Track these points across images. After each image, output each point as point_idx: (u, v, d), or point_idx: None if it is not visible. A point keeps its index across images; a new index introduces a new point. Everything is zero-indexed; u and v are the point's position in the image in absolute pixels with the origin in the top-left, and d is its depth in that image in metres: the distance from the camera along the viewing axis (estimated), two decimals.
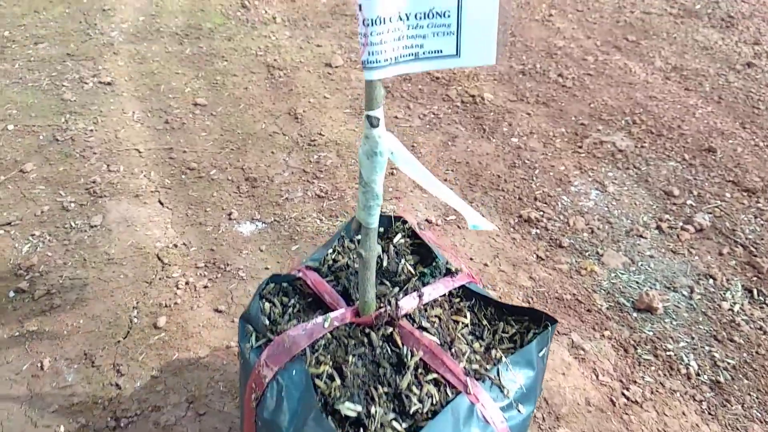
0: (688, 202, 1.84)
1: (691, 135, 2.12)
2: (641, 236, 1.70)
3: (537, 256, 1.60)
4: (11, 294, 1.39)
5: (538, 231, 1.69)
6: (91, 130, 1.90)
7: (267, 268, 1.48)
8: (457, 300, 0.89)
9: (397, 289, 0.86)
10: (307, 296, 0.87)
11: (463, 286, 0.89)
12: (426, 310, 0.85)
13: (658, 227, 1.74)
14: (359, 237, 0.81)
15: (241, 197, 1.72)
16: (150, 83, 2.15)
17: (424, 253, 0.96)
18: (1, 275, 1.44)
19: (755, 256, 1.66)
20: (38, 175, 1.73)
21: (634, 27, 2.83)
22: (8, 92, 2.03)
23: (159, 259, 1.50)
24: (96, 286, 1.42)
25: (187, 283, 1.43)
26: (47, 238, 1.54)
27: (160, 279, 1.44)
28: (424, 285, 0.87)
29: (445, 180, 1.84)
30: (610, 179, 1.90)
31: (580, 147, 2.03)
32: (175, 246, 1.53)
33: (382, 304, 0.82)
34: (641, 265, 1.61)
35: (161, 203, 1.67)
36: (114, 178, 1.74)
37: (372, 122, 0.70)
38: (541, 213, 1.75)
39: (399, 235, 0.98)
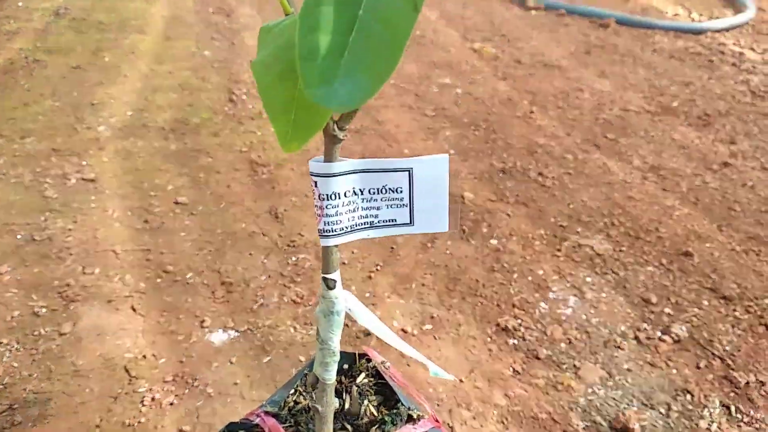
0: (666, 310, 1.84)
1: (668, 238, 2.14)
2: (619, 347, 1.69)
3: (513, 369, 1.58)
4: None
5: (515, 341, 1.68)
6: (70, 230, 1.90)
7: (236, 383, 1.46)
8: None
9: None
10: None
11: None
12: None
13: (636, 338, 1.73)
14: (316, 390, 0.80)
15: (215, 303, 1.70)
16: (133, 180, 2.17)
17: (388, 393, 0.95)
18: None
19: (732, 369, 1.65)
20: (12, 278, 1.71)
21: (613, 125, 2.90)
22: None
23: (126, 371, 1.47)
24: (60, 401, 1.38)
25: (153, 399, 1.39)
26: (15, 347, 1.51)
27: (126, 394, 1.41)
28: None
29: (423, 285, 1.84)
30: (588, 285, 1.91)
31: (559, 250, 2.04)
32: (144, 357, 1.51)
33: None
34: (618, 379, 1.59)
35: (134, 309, 1.65)
36: (88, 281, 1.73)
37: (329, 284, 0.70)
38: (519, 321, 1.74)
39: (363, 375, 0.97)
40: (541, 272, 1.94)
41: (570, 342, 1.70)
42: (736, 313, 1.85)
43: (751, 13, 4.39)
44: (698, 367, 1.65)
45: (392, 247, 1.98)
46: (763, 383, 1.62)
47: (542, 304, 1.82)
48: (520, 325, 1.73)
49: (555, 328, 1.73)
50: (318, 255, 1.92)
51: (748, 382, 1.61)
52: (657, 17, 4.36)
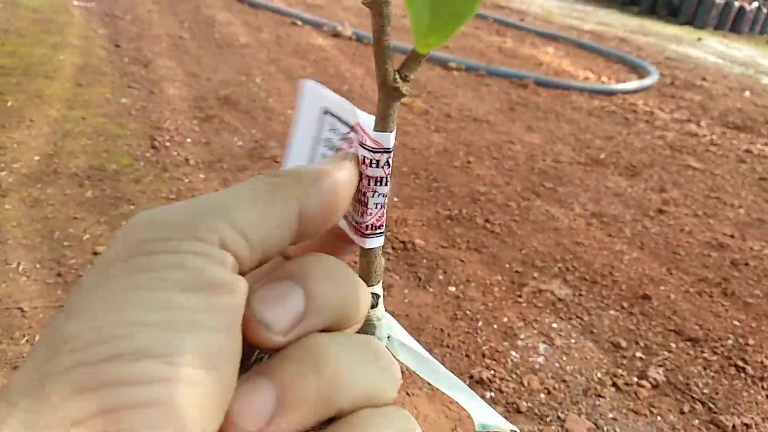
0: (637, 354, 1.75)
1: (624, 282, 2.09)
2: (600, 395, 1.57)
3: None
4: None
5: (492, 394, 1.52)
6: None
7: None
8: None
9: None
10: None
11: None
12: None
13: (614, 384, 1.62)
14: None
15: None
16: (42, 229, 1.88)
17: None
18: None
19: (715, 413, 1.56)
20: None
21: (548, 174, 2.90)
22: None
23: None
24: None
25: None
26: None
27: None
28: None
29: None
30: (555, 331, 1.80)
31: (520, 296, 1.93)
32: None
33: None
34: (607, 430, 1.46)
35: None
36: None
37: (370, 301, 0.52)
38: (493, 372, 1.59)
39: None
40: (505, 319, 1.82)
41: (549, 392, 1.56)
42: (705, 355, 1.79)
43: (654, 77, 4.67)
44: (682, 412, 1.55)
45: None
46: (748, 426, 1.54)
47: (513, 353, 1.68)
48: (494, 375, 1.58)
49: (531, 377, 1.59)
50: None
51: (734, 426, 1.52)
52: (569, 80, 4.54)
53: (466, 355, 1.64)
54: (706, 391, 1.65)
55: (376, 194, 0.45)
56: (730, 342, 1.87)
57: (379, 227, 0.49)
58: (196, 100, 3.07)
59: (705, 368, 1.74)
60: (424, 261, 2.04)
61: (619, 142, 3.44)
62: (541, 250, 2.22)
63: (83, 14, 4.22)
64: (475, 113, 3.61)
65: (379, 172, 0.44)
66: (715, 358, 1.79)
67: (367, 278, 0.50)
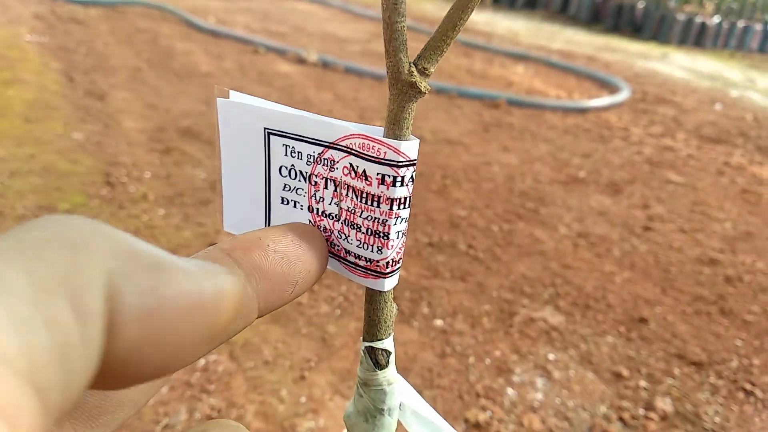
0: (641, 383, 1.62)
1: (618, 305, 1.97)
2: None
3: None
4: None
5: None
6: None
7: None
8: None
9: None
10: None
11: None
12: None
13: (621, 418, 1.49)
14: None
15: None
16: None
17: None
18: None
19: None
20: None
21: (529, 195, 2.80)
22: None
23: None
24: None
25: None
26: None
27: None
28: None
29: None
30: (552, 363, 1.66)
31: (511, 326, 1.80)
32: None
33: None
34: None
35: None
36: None
37: (379, 359, 0.37)
38: (490, 414, 1.44)
39: None
40: (498, 353, 1.68)
41: None
42: (711, 380, 1.67)
43: (626, 93, 4.65)
44: None
45: (324, 338, 1.64)
46: None
47: (509, 390, 1.54)
48: (491, 418, 1.44)
49: (531, 417, 1.45)
50: (233, 355, 1.54)
51: None
52: (542, 98, 4.48)
53: (459, 396, 1.50)
54: (717, 419, 1.52)
55: (399, 220, 0.33)
56: (734, 364, 1.76)
57: (398, 262, 0.36)
58: (154, 132, 2.91)
59: (713, 394, 1.62)
60: (407, 293, 1.90)
61: (597, 160, 3.36)
62: (529, 275, 2.09)
63: (36, 49, 4.05)
64: (449, 135, 3.50)
65: (402, 192, 0.31)
66: (721, 382, 1.67)
67: (377, 330, 0.36)
